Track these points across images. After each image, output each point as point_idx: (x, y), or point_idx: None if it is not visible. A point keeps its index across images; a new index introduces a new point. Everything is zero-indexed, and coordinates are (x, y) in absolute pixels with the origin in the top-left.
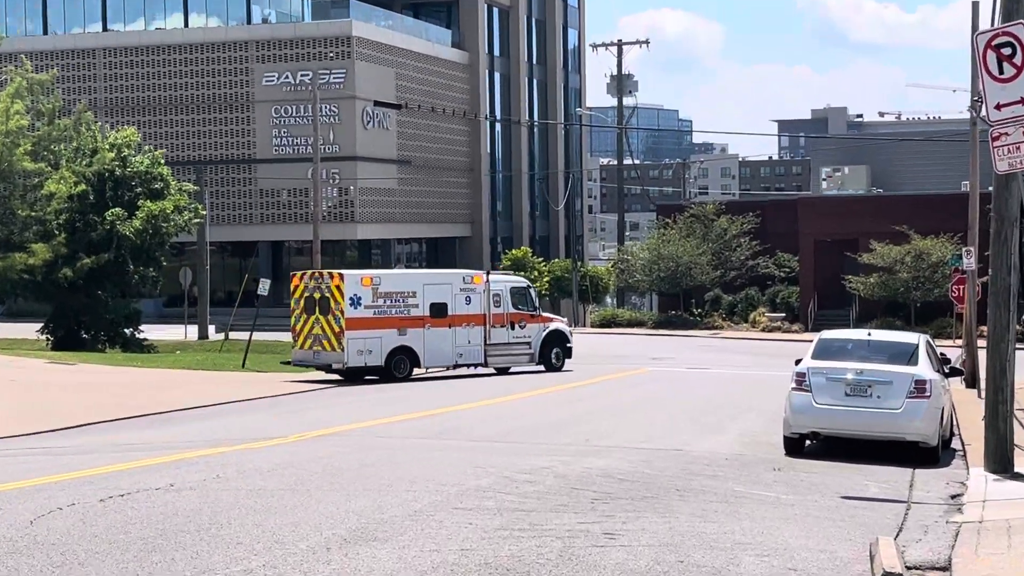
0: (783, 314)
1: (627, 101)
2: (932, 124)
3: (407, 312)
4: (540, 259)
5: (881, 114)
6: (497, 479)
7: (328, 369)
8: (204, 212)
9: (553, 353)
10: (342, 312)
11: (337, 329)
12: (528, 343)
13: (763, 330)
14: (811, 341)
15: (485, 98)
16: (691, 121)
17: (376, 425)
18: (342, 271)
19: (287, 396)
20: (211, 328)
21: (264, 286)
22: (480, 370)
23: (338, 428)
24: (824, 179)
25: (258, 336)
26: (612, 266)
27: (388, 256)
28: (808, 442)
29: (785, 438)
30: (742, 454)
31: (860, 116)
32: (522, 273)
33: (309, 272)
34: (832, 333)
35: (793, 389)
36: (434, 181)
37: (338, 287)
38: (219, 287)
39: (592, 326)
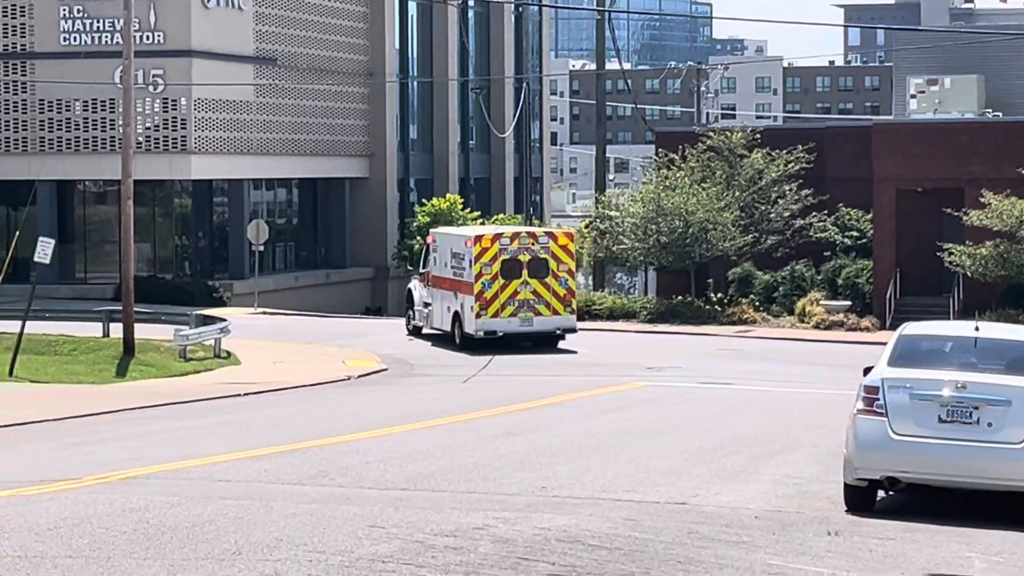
0: (848, 302)
1: None
2: None
3: None
4: (475, 213)
5: None
6: (404, 545)
7: (535, 339)
8: None
9: None
10: (571, 275)
11: (564, 292)
12: None
13: (818, 326)
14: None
15: None
16: (710, 5)
17: (219, 464)
18: (567, 230)
19: (73, 420)
20: None
21: (45, 249)
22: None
23: (158, 468)
24: (913, 96)
25: (36, 327)
26: (587, 226)
27: (239, 206)
28: (882, 492)
29: (846, 487)
30: (781, 510)
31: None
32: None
33: (510, 232)
34: (920, 327)
35: (859, 413)
36: (313, 92)
37: (565, 248)
38: None
39: None
